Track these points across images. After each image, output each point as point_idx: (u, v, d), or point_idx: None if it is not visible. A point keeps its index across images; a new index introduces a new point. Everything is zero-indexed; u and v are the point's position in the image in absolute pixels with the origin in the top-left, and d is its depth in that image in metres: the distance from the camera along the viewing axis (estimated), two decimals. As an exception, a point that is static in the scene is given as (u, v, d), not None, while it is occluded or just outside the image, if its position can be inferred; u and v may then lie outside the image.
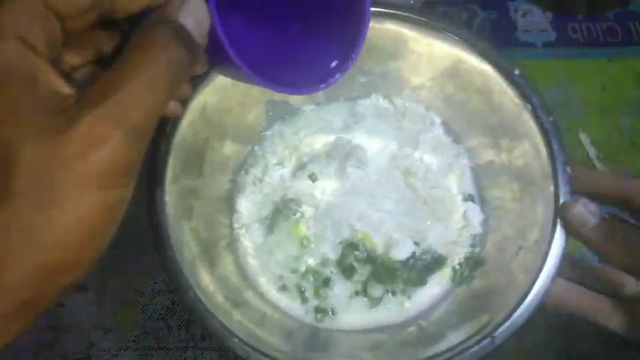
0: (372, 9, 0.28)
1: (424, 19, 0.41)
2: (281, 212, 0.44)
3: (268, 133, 0.46)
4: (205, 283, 0.37)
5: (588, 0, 0.57)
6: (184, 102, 0.35)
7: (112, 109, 0.18)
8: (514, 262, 0.39)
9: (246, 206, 0.45)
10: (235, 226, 0.44)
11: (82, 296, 0.46)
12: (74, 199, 0.18)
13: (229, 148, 0.44)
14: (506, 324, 0.35)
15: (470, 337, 0.36)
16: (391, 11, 0.40)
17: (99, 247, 0.20)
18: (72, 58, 0.23)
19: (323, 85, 0.28)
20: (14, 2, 0.20)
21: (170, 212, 0.37)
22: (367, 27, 0.28)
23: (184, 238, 0.38)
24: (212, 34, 0.22)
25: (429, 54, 0.43)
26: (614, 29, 0.57)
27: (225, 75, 0.27)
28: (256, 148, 0.46)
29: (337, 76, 0.28)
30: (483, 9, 0.57)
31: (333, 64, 0.28)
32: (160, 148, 0.36)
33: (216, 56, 0.24)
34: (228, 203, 0.45)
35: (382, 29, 0.41)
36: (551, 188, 0.37)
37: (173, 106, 0.25)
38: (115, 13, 0.22)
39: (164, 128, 0.36)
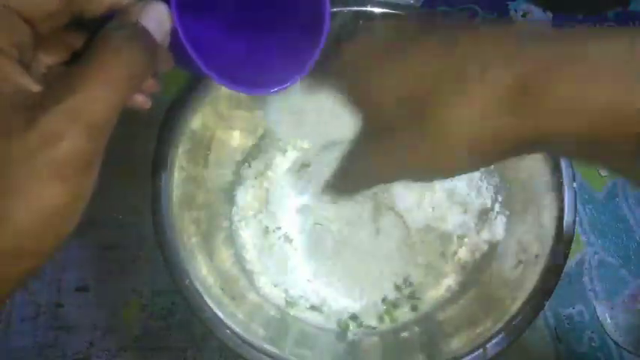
0: (379, 10, 0.28)
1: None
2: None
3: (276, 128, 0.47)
4: (203, 272, 0.38)
5: (588, 0, 0.57)
6: (194, 93, 0.38)
7: (70, 106, 0.20)
8: (513, 276, 0.39)
9: (246, 199, 0.45)
10: (235, 218, 0.44)
11: (82, 296, 0.46)
12: (34, 190, 0.20)
13: (236, 140, 0.45)
14: (499, 337, 0.35)
15: (463, 347, 0.36)
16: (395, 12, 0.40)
17: (58, 236, 0.21)
18: (47, 58, 0.25)
19: (275, 90, 0.29)
20: None
21: (173, 200, 0.37)
22: (324, 37, 0.28)
23: (185, 226, 0.39)
24: (174, 34, 0.24)
25: None
26: (614, 29, 0.57)
27: (188, 71, 0.28)
28: (261, 142, 0.46)
29: (291, 82, 0.29)
30: (483, 9, 0.57)
31: (291, 68, 0.29)
32: (165, 136, 0.38)
33: (178, 54, 0.25)
34: (229, 196, 0.45)
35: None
36: (556, 203, 0.37)
37: (140, 100, 0.27)
38: (84, 15, 0.24)
39: (172, 119, 0.37)
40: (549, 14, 0.57)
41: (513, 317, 0.36)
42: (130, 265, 0.47)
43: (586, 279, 0.48)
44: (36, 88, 0.21)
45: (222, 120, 0.42)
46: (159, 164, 0.37)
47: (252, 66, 0.30)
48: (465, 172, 0.29)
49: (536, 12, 0.57)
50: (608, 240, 0.49)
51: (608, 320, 0.46)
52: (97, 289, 0.46)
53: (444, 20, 0.31)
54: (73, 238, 0.21)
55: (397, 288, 0.44)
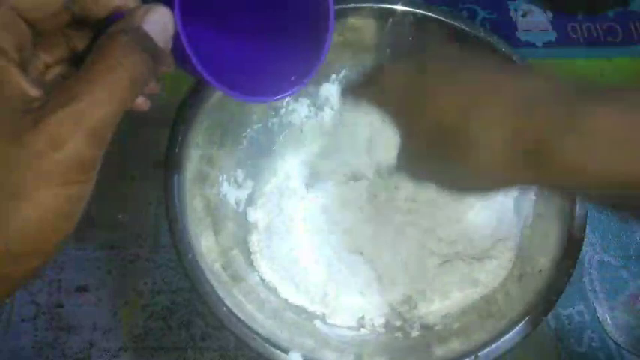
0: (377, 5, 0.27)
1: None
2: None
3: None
4: (207, 249, 0.38)
5: (588, 0, 0.57)
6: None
7: (73, 112, 0.20)
8: (514, 289, 0.39)
9: (252, 185, 0.46)
10: (244, 201, 0.45)
11: (82, 296, 0.46)
12: (37, 194, 0.20)
13: (252, 123, 0.45)
14: (492, 346, 0.35)
15: (455, 353, 0.36)
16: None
17: (60, 237, 0.21)
18: (47, 57, 0.25)
19: (277, 97, 0.29)
20: None
21: (186, 175, 0.38)
22: (328, 46, 0.28)
23: (195, 203, 0.39)
24: (176, 38, 0.24)
25: None
26: (614, 29, 0.57)
27: (188, 73, 0.28)
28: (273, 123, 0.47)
29: (294, 89, 0.29)
30: (483, 9, 0.57)
31: (292, 77, 0.29)
32: (184, 113, 0.38)
33: (179, 57, 0.25)
34: (239, 179, 0.46)
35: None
36: (566, 219, 0.37)
37: (140, 102, 0.27)
38: (86, 16, 0.24)
39: (193, 97, 0.38)
40: (549, 14, 0.57)
41: (509, 329, 0.36)
42: (130, 265, 0.47)
43: (586, 279, 0.48)
44: (37, 92, 0.21)
45: (240, 102, 0.42)
46: (174, 139, 0.38)
47: (253, 71, 0.30)
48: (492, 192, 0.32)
49: (537, 12, 0.57)
50: (608, 240, 0.49)
51: (608, 320, 0.46)
52: (97, 289, 0.46)
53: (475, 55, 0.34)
54: (72, 238, 0.22)
55: (405, 296, 0.43)
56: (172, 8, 0.23)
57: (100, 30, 0.24)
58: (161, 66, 0.24)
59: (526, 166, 0.26)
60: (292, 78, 0.29)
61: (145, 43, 0.22)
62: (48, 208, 0.20)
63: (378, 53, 0.44)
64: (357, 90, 0.36)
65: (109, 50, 0.21)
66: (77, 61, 0.26)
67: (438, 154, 0.30)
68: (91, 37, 0.25)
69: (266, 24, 0.30)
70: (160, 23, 0.23)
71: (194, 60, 0.24)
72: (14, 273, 0.21)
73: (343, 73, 0.47)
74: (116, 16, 0.23)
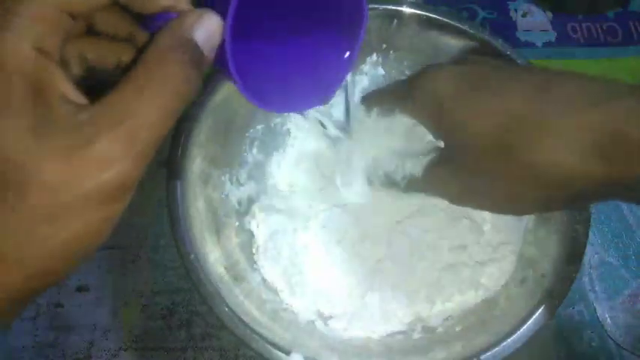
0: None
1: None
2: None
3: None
4: (209, 249, 0.38)
5: (588, 0, 0.57)
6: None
7: (127, 132, 0.19)
8: (515, 292, 0.39)
9: (255, 185, 0.46)
10: (247, 202, 0.45)
11: (82, 296, 0.46)
12: (79, 215, 0.19)
13: (255, 123, 0.45)
14: (494, 350, 0.35)
15: (457, 355, 0.36)
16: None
17: (84, 258, 0.21)
18: (88, 52, 0.23)
19: (306, 107, 0.29)
20: (29, 7, 0.20)
21: (189, 175, 0.38)
22: (358, 50, 0.28)
23: (197, 202, 0.39)
24: (220, 49, 0.23)
25: None
26: (614, 29, 0.57)
27: (220, 73, 0.28)
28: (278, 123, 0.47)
29: (319, 102, 0.29)
30: (483, 9, 0.57)
31: (321, 86, 0.29)
32: (189, 111, 0.38)
33: (218, 64, 0.24)
34: (242, 179, 0.46)
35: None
36: (571, 224, 0.37)
37: None
38: (135, 11, 0.23)
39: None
40: (549, 14, 0.57)
41: (511, 333, 0.36)
42: (130, 265, 0.47)
43: (586, 279, 0.48)
44: (80, 99, 0.20)
45: (245, 101, 0.42)
46: (178, 139, 0.38)
47: (284, 80, 0.30)
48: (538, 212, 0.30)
49: (537, 12, 0.57)
50: (608, 240, 0.49)
51: (608, 320, 0.46)
52: (97, 289, 0.46)
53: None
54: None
55: (407, 300, 0.43)
56: (224, 17, 0.22)
57: (146, 27, 0.23)
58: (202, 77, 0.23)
59: (600, 159, 0.25)
60: (321, 87, 0.29)
61: (197, 59, 0.21)
62: (81, 229, 0.20)
63: (386, 59, 0.44)
64: (388, 96, 0.35)
65: (161, 67, 0.20)
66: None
67: (489, 164, 0.28)
68: (135, 52, 0.24)
69: (296, 28, 0.30)
70: (208, 31, 0.22)
71: (235, 77, 0.24)
72: (29, 292, 0.21)
73: (349, 77, 0.47)
74: (164, 15, 0.22)
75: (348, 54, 0.28)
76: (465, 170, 0.30)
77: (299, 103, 0.28)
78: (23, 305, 0.22)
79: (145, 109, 0.20)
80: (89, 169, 0.19)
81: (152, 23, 0.23)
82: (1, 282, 0.19)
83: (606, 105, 0.25)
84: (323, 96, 0.28)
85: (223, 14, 0.22)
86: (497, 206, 0.31)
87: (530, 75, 0.29)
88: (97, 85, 0.22)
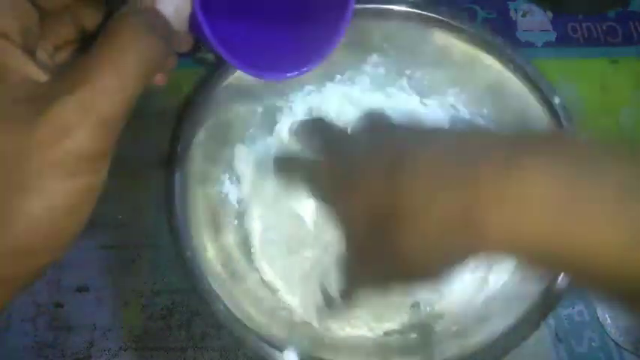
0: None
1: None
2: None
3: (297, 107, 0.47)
4: (207, 248, 0.38)
5: (588, 0, 0.57)
6: (226, 68, 0.38)
7: (82, 97, 0.19)
8: (514, 291, 0.39)
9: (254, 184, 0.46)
10: (246, 201, 0.45)
11: (82, 296, 0.46)
12: (46, 187, 0.19)
13: (257, 120, 0.45)
14: (491, 350, 0.36)
15: (453, 354, 0.36)
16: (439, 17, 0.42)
17: (69, 234, 0.21)
18: (54, 37, 0.23)
19: (293, 74, 0.28)
20: None
21: (188, 174, 0.38)
22: (347, 22, 0.28)
23: (196, 202, 0.39)
24: (193, 17, 0.23)
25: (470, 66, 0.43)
26: (614, 29, 0.57)
27: (207, 48, 0.27)
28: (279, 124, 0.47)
29: (306, 68, 0.28)
30: (483, 9, 0.57)
31: (309, 55, 0.28)
32: (188, 110, 0.38)
33: (198, 35, 0.24)
34: (241, 178, 0.46)
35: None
36: None
37: (158, 77, 0.26)
38: None
39: (195, 95, 0.38)
40: (549, 14, 0.57)
41: (508, 333, 0.36)
42: (130, 265, 0.47)
43: (586, 279, 0.47)
44: (43, 77, 0.20)
45: (246, 97, 0.42)
46: (177, 137, 0.38)
47: (269, 51, 0.30)
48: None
49: (537, 12, 0.57)
50: (608, 240, 0.49)
51: (608, 320, 0.46)
52: (97, 289, 0.46)
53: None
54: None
55: (404, 299, 0.43)
56: None
57: (111, 6, 0.23)
58: (179, 43, 0.23)
59: (459, 243, 0.24)
60: (308, 57, 0.28)
61: (159, 26, 0.21)
62: (55, 201, 0.19)
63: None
64: (289, 168, 0.35)
65: (119, 33, 0.20)
66: (87, 43, 0.24)
67: (374, 249, 0.28)
68: (102, 14, 0.24)
69: (284, 9, 0.30)
70: (174, 3, 0.22)
71: (216, 45, 0.23)
72: (19, 273, 0.20)
73: (347, 74, 0.47)
74: None
75: (335, 25, 0.28)
76: (358, 261, 0.31)
77: (282, 69, 0.28)
78: (18, 287, 0.21)
79: (100, 74, 0.19)
80: (45, 138, 0.19)
81: None
82: None
83: (457, 184, 0.24)
84: (309, 64, 0.28)
85: None
86: (399, 287, 0.31)
87: (406, 145, 0.28)
88: None
